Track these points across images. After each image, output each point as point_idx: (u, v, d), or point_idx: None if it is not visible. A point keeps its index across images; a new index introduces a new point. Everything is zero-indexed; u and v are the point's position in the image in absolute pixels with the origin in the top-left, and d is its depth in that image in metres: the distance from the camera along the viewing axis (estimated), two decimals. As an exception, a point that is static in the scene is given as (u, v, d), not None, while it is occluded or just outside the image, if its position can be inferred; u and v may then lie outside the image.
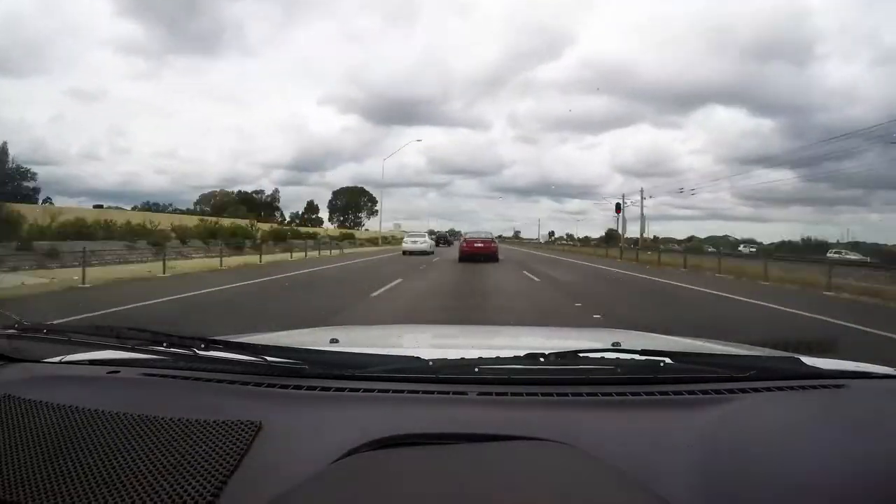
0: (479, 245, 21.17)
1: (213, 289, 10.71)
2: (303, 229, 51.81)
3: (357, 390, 0.97)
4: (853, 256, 30.59)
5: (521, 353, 1.07)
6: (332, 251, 31.48)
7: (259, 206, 70.93)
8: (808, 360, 1.18)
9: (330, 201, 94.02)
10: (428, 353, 1.07)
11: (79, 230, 21.67)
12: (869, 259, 26.00)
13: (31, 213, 22.53)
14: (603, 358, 1.07)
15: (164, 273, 13.70)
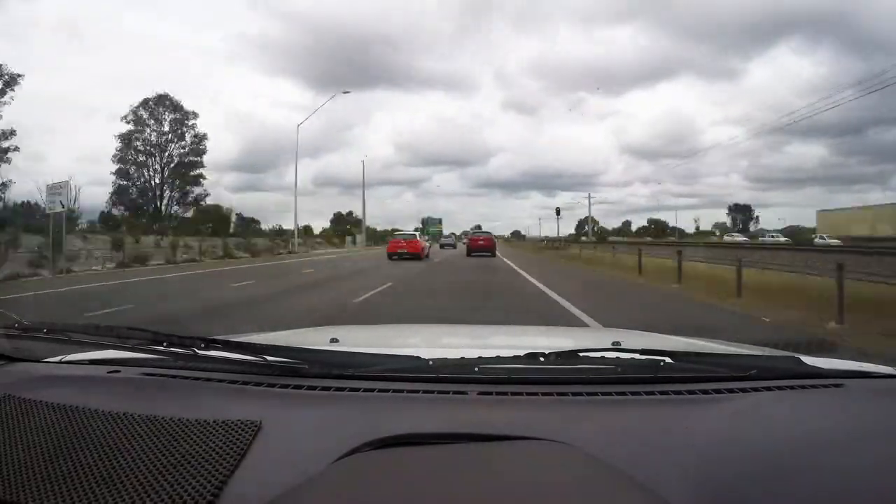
0: (481, 242, 29.29)
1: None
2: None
3: (357, 390, 0.97)
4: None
5: (521, 352, 1.07)
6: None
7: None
8: (809, 360, 1.18)
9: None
10: (428, 352, 1.07)
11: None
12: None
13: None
14: (603, 357, 1.07)
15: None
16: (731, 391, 1.00)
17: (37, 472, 0.72)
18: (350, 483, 0.69)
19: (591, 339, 2.13)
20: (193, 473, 0.70)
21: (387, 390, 0.97)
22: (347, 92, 35.62)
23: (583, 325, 6.29)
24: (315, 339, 1.60)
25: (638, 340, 1.52)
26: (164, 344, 1.08)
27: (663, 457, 0.75)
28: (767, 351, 1.54)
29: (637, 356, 1.08)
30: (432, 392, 0.96)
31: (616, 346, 1.30)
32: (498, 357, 1.05)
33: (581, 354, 1.08)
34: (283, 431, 0.82)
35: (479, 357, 1.04)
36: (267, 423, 0.82)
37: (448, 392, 0.96)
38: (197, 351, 1.07)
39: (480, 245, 28.60)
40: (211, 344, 1.08)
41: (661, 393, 0.98)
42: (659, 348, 1.12)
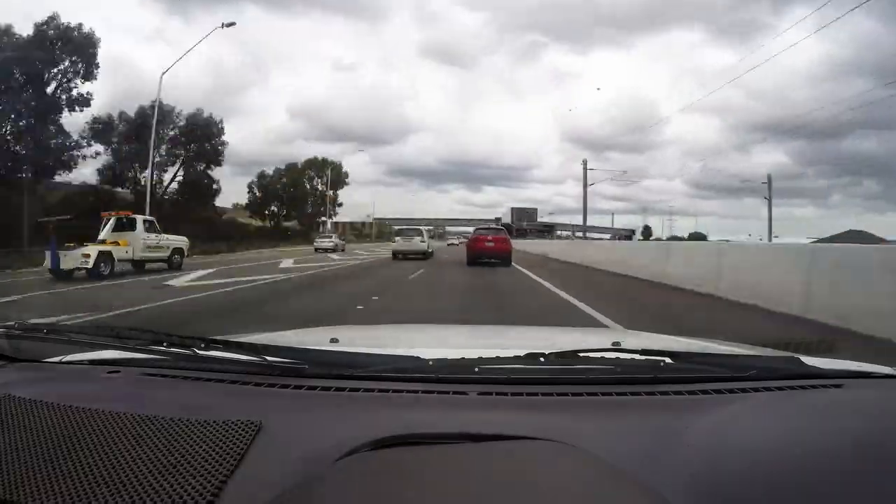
0: (490, 244, 18.66)
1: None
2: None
3: (357, 390, 0.97)
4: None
5: (521, 352, 1.07)
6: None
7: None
8: (808, 360, 1.18)
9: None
10: (428, 352, 1.07)
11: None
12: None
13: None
14: (603, 358, 1.07)
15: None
16: (730, 391, 1.00)
17: (37, 472, 0.72)
18: (350, 483, 0.69)
19: (591, 339, 2.13)
20: (193, 473, 0.70)
21: (387, 390, 0.97)
22: (231, 24, 21.68)
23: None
24: (315, 339, 1.60)
25: (638, 341, 1.52)
26: (164, 344, 1.08)
27: (663, 457, 0.75)
28: (767, 351, 1.54)
29: (637, 356, 1.08)
30: (432, 392, 0.96)
31: (616, 347, 1.30)
32: (498, 357, 1.05)
33: (581, 355, 1.08)
34: (284, 431, 0.82)
35: (479, 357, 1.04)
36: (267, 423, 0.82)
37: (448, 392, 0.96)
38: (197, 351, 1.07)
39: (489, 248, 18.28)
40: (211, 344, 1.08)
41: (661, 393, 0.98)
42: (659, 349, 1.12)
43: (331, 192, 59.28)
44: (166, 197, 36.85)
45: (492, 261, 18.00)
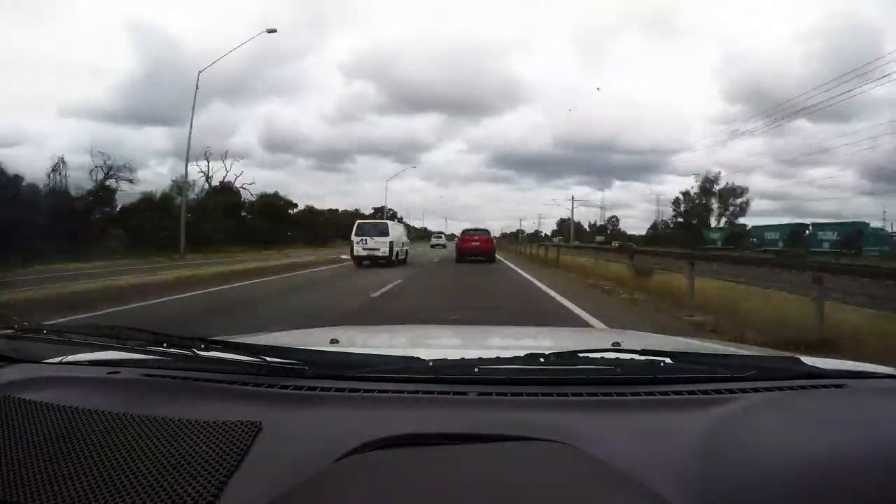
0: (476, 243, 22.37)
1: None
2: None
3: (357, 391, 0.97)
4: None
5: (521, 353, 1.07)
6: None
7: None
8: (808, 360, 1.18)
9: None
10: (428, 353, 1.07)
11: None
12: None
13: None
14: (603, 358, 1.07)
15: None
16: (731, 392, 1.00)
17: (37, 472, 0.72)
18: (350, 483, 0.69)
19: (590, 339, 2.13)
20: (193, 474, 0.70)
21: (387, 391, 0.97)
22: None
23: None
24: (315, 339, 1.60)
25: (638, 341, 1.52)
26: (164, 345, 1.08)
27: (663, 458, 0.75)
28: (767, 351, 1.54)
29: (637, 357, 1.08)
30: (432, 393, 0.96)
31: (616, 347, 1.30)
32: (498, 358, 1.05)
33: (581, 355, 1.08)
34: (283, 432, 0.82)
35: (479, 358, 1.04)
36: (267, 424, 0.82)
37: (448, 393, 0.96)
38: (196, 352, 1.07)
39: (475, 247, 22.03)
40: (211, 345, 1.08)
41: (661, 394, 0.98)
42: (659, 349, 1.12)
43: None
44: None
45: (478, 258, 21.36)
